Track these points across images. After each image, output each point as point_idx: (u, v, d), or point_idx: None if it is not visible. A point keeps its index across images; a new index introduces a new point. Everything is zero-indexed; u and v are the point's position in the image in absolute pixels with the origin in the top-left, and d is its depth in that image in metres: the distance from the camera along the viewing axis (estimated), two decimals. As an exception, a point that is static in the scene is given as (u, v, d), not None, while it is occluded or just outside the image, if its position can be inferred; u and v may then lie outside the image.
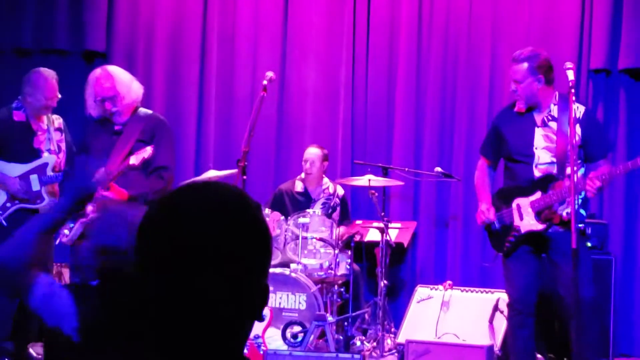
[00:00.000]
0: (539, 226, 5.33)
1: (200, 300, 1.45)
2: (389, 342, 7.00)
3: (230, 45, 8.67)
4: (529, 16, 8.13)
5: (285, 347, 6.41)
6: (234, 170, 6.20)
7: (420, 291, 7.11)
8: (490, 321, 6.62)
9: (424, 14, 8.39)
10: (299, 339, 6.50)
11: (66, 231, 5.71)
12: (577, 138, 5.17)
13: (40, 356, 6.65)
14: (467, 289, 7.03)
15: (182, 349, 1.46)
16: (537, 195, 5.33)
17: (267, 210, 7.36)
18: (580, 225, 5.11)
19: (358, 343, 6.92)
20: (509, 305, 5.54)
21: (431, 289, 7.07)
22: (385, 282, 7.04)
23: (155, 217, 1.51)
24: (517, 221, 5.41)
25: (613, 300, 6.98)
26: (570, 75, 5.19)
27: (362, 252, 7.38)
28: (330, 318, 6.45)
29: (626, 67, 7.76)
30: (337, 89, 8.52)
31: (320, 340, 6.77)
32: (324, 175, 7.89)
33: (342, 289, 7.14)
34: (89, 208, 5.59)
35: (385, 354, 6.88)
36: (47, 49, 8.48)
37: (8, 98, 6.51)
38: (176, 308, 1.45)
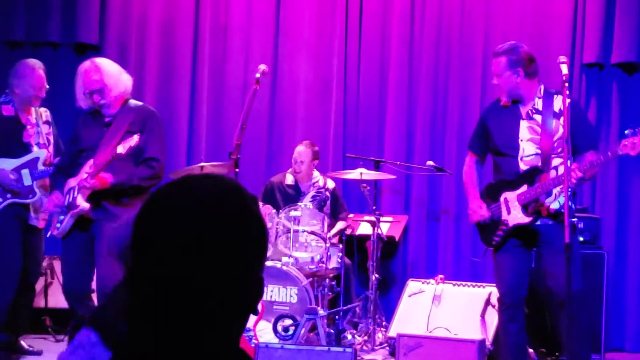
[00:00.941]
0: (526, 219, 5.33)
1: (195, 293, 1.44)
2: (380, 336, 7.01)
3: (222, 39, 8.65)
4: (522, 10, 8.13)
5: (276, 340, 6.41)
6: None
7: (412, 285, 7.10)
8: (482, 315, 6.62)
9: (416, 7, 8.38)
10: (290, 332, 6.49)
11: (58, 224, 5.70)
12: (561, 130, 5.19)
13: (31, 348, 6.64)
14: (458, 283, 7.03)
15: (177, 343, 1.45)
16: (524, 188, 5.34)
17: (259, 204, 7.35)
18: (573, 219, 5.12)
19: (349, 337, 6.92)
20: (498, 299, 5.54)
21: (423, 283, 7.07)
22: (376, 275, 7.04)
23: (150, 209, 1.50)
24: (504, 215, 5.41)
25: (605, 295, 6.99)
26: (564, 69, 5.19)
27: (353, 245, 7.38)
28: (321, 311, 6.44)
29: (619, 61, 7.77)
30: (329, 82, 8.51)
31: (312, 334, 6.77)
32: (314, 169, 7.88)
33: (333, 283, 7.14)
34: (79, 199, 5.58)
35: (376, 347, 6.88)
36: (39, 42, 8.44)
37: (0, 90, 6.48)
38: (171, 301, 1.44)
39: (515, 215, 5.37)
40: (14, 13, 8.33)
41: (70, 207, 5.62)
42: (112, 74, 5.77)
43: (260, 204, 7.42)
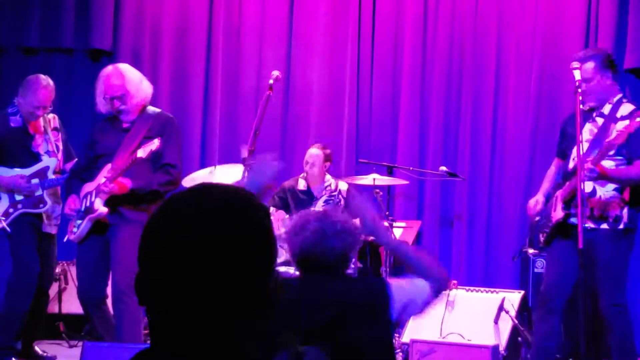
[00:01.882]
0: (560, 214, 5.36)
1: (203, 300, 1.45)
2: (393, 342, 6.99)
3: (235, 44, 8.67)
4: (535, 15, 8.11)
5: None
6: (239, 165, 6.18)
7: (425, 290, 7.08)
8: (496, 321, 6.61)
9: (429, 11, 8.38)
10: (304, 337, 6.49)
11: (74, 228, 5.71)
12: (614, 134, 5.14)
13: (45, 353, 6.66)
14: (472, 288, 7.01)
15: (186, 348, 1.47)
16: (565, 185, 5.38)
17: (271, 209, 7.35)
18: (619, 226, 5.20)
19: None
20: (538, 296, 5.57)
21: (436, 289, 7.05)
22: (390, 281, 7.03)
23: (161, 216, 1.52)
24: (552, 213, 5.45)
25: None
26: (577, 75, 5.18)
27: (366, 250, 7.37)
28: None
29: (632, 66, 7.75)
30: (342, 88, 8.51)
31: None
32: (326, 173, 7.87)
33: (347, 288, 7.12)
34: (97, 203, 5.59)
35: (389, 353, 6.87)
36: (52, 48, 8.46)
37: (14, 96, 6.50)
38: (178, 307, 1.46)
39: (557, 212, 5.41)
40: (28, 19, 8.35)
41: (87, 212, 5.64)
42: (133, 80, 5.77)
43: (273, 209, 7.42)
